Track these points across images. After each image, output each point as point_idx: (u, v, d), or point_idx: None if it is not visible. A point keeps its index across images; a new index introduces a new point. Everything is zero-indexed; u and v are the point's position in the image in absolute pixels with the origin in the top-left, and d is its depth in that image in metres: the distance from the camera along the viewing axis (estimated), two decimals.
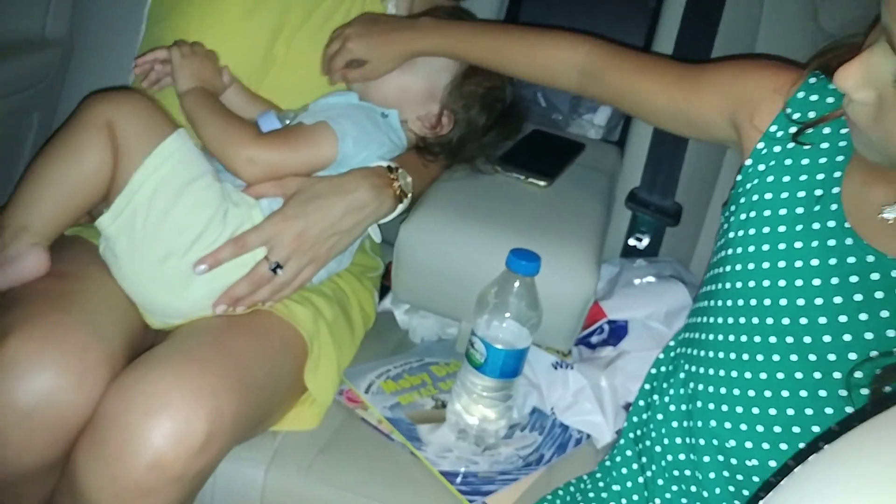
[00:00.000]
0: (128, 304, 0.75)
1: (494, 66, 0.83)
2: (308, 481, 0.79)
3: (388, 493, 0.78)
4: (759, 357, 0.61)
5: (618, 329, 0.92)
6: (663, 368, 0.75)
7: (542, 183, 0.92)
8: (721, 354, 0.64)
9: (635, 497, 0.73)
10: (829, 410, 0.57)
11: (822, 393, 0.57)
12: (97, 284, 0.73)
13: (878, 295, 0.56)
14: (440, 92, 0.85)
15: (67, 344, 0.66)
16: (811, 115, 0.63)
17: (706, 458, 0.64)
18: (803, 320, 0.59)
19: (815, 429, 0.57)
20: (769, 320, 0.61)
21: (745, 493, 0.62)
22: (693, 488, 0.66)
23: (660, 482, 0.69)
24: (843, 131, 0.61)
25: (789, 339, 0.59)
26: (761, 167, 0.65)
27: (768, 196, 0.64)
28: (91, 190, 0.72)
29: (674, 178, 1.02)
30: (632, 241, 1.05)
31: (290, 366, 0.78)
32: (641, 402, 0.76)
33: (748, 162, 0.66)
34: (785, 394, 0.59)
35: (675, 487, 0.68)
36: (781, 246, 0.61)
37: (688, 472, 0.67)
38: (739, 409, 0.62)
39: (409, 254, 0.84)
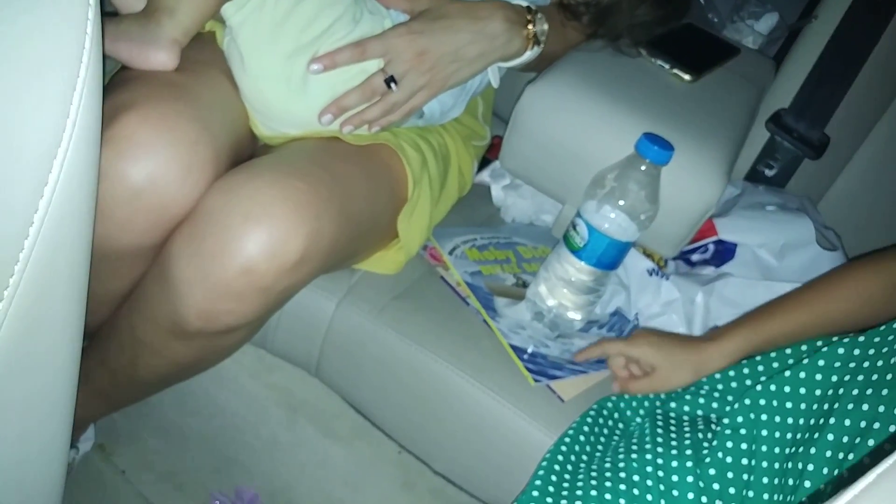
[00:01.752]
0: (240, 108, 0.73)
1: (791, 335, 0.72)
2: (377, 323, 0.78)
3: (454, 353, 0.76)
4: None
5: (724, 251, 0.86)
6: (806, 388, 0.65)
7: (687, 77, 0.83)
8: None
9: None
10: None
11: None
12: (214, 83, 0.71)
13: None
14: None
15: (180, 133, 0.64)
16: None
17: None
18: None
19: None
20: None
21: None
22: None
23: (762, 464, 0.62)
24: None
25: None
26: None
27: None
28: None
29: (830, 108, 0.92)
30: (760, 167, 0.96)
31: (389, 207, 0.76)
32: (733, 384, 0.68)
33: None
34: None
35: (767, 481, 0.61)
36: None
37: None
38: None
39: (529, 118, 0.78)
